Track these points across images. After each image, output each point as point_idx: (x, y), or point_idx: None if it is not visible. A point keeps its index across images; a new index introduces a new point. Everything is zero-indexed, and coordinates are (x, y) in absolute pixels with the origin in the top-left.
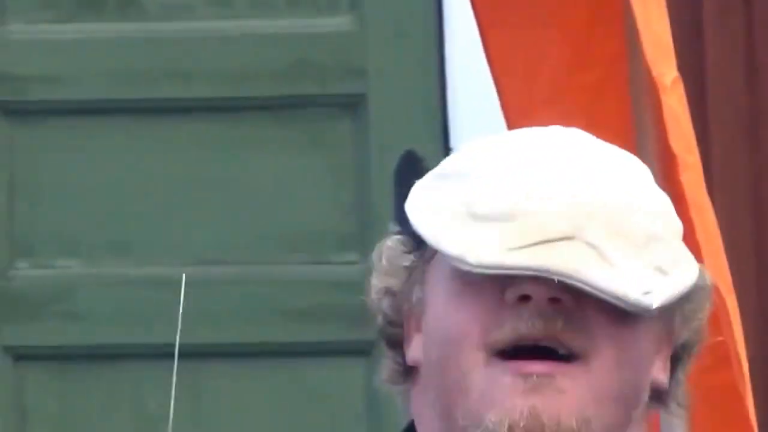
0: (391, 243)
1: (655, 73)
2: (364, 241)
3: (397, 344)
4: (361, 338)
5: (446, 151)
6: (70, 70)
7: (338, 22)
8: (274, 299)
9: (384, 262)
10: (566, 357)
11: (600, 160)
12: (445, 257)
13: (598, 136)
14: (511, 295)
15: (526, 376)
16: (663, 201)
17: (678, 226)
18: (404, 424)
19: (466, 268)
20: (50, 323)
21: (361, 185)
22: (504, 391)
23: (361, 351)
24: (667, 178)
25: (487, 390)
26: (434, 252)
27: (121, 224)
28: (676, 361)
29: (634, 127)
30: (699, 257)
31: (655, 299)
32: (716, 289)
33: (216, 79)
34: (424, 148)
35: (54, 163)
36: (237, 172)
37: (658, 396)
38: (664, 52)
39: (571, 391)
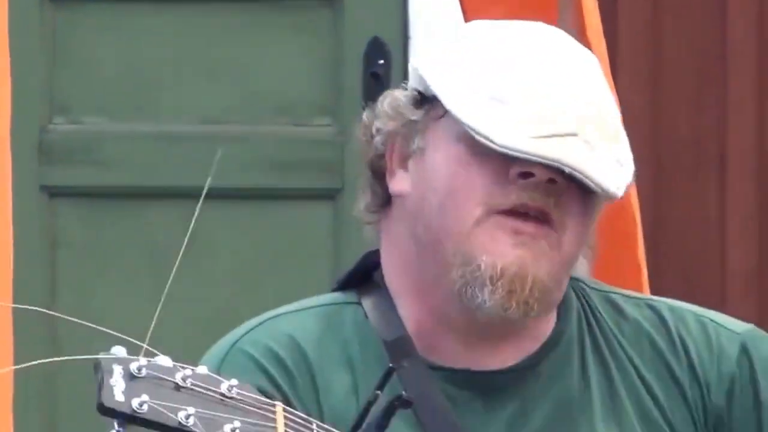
0: (399, 95)
1: None
2: (336, 109)
3: (381, 176)
4: (330, 186)
5: (405, 39)
6: None
7: None
8: (262, 153)
9: (387, 108)
10: (548, 225)
11: (580, 58)
12: (466, 128)
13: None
14: (517, 170)
15: (519, 234)
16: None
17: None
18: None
19: (493, 146)
20: (80, 168)
21: (336, 63)
22: (500, 242)
23: (330, 196)
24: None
25: (484, 239)
26: (442, 114)
27: (141, 90)
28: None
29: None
30: None
31: (621, 191)
32: None
33: None
34: (388, 35)
35: (89, 38)
36: (236, 50)
37: None
38: None
39: (549, 255)
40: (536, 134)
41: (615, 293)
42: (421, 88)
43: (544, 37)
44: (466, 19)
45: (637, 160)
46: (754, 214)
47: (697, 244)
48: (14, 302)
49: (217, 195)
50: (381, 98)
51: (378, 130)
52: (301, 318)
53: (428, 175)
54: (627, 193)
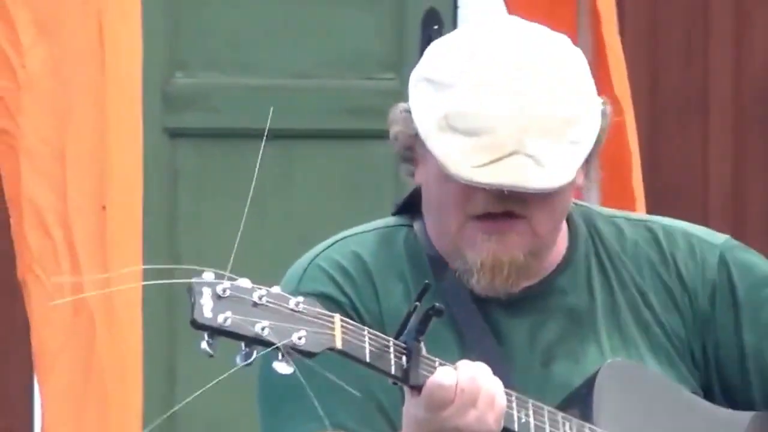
0: (402, 113)
1: None
2: (399, 66)
3: (409, 160)
4: None
5: (455, 8)
6: None
7: None
8: (338, 101)
9: (396, 117)
10: (515, 217)
11: (542, 62)
12: (437, 159)
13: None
14: (475, 187)
15: (491, 233)
16: (583, 78)
17: (591, 89)
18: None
19: (453, 176)
20: (196, 114)
21: (399, 29)
22: (477, 242)
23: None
24: (594, 32)
25: (466, 240)
26: None
27: (244, 49)
28: (589, 157)
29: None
30: (610, 84)
31: (569, 177)
32: (618, 103)
33: None
34: (441, 5)
35: (203, 8)
36: (319, 17)
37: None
38: None
39: (521, 240)
40: (478, 163)
41: (618, 217)
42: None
43: (511, 47)
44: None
45: (637, 108)
46: (730, 153)
47: (684, 175)
48: (143, 227)
49: (305, 135)
50: (394, 107)
51: (397, 131)
52: (363, 238)
53: (427, 185)
54: (624, 135)
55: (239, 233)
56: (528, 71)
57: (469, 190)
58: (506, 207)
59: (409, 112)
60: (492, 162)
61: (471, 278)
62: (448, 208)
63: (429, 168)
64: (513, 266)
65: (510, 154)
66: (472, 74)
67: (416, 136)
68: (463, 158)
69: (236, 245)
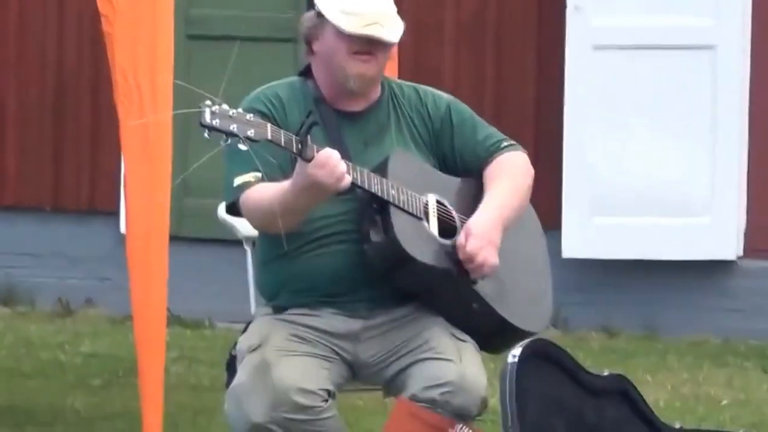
0: (310, 15)
1: None
2: (296, 6)
3: (308, 42)
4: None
5: None
6: None
7: None
8: (272, 23)
9: (307, 19)
10: (372, 55)
11: None
12: (338, 28)
13: None
14: (361, 37)
15: (361, 62)
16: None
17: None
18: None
19: (345, 32)
20: (202, 27)
21: None
22: (357, 65)
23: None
24: None
25: (350, 64)
26: (326, 21)
27: None
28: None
29: None
30: None
31: (396, 41)
32: None
33: None
34: None
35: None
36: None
37: None
38: None
39: (374, 67)
40: (361, 24)
41: (401, 82)
42: (317, 11)
43: None
44: None
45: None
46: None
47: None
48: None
49: (255, 39)
50: (305, 14)
51: (305, 26)
52: (281, 85)
53: (327, 45)
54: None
55: (224, 82)
56: None
57: (354, 39)
58: (369, 48)
59: (313, 17)
60: (367, 25)
61: (348, 83)
62: (341, 50)
63: (325, 38)
64: (368, 79)
65: (374, 23)
66: None
67: (316, 25)
68: (354, 24)
69: (222, 87)
